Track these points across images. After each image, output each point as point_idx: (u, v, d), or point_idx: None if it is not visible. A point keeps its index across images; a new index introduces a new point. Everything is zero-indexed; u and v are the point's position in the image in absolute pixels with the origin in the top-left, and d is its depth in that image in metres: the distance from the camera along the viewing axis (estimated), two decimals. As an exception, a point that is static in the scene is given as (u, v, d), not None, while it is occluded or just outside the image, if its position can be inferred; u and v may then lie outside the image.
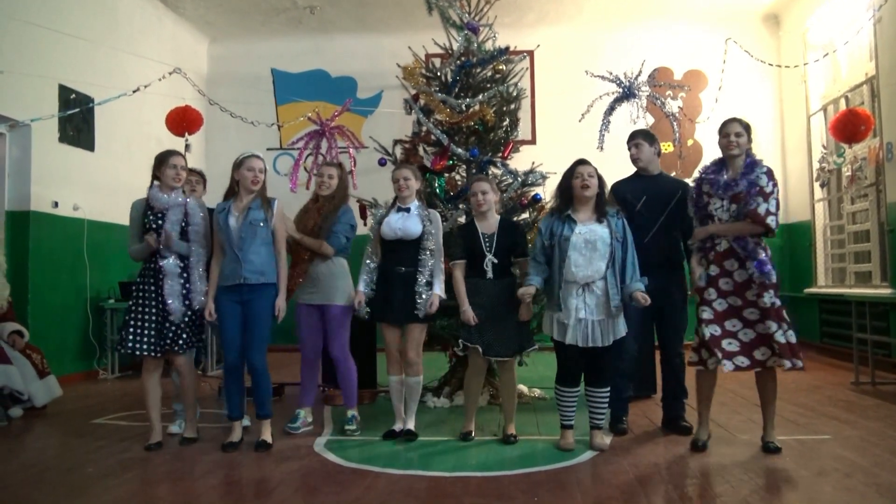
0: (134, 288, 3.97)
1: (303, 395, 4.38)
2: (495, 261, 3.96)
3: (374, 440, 4.08)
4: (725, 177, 3.70)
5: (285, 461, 3.65)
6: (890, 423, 4.24)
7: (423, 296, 4.02)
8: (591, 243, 3.66)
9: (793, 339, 3.54)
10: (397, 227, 4.07)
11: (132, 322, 3.88)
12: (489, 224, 4.05)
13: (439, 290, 4.06)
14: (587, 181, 3.71)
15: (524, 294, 3.73)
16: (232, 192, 4.01)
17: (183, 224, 3.94)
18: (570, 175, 3.79)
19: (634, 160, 4.32)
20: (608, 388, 3.84)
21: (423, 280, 4.04)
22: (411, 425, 4.12)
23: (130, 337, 3.86)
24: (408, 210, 4.13)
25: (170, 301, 3.86)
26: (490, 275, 3.96)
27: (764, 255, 3.58)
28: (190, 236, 3.95)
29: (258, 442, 3.92)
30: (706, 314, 3.65)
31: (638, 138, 4.30)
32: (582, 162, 3.82)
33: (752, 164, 3.68)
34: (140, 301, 3.90)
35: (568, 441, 3.82)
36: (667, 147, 8.42)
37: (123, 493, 3.18)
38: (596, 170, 3.80)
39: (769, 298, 3.54)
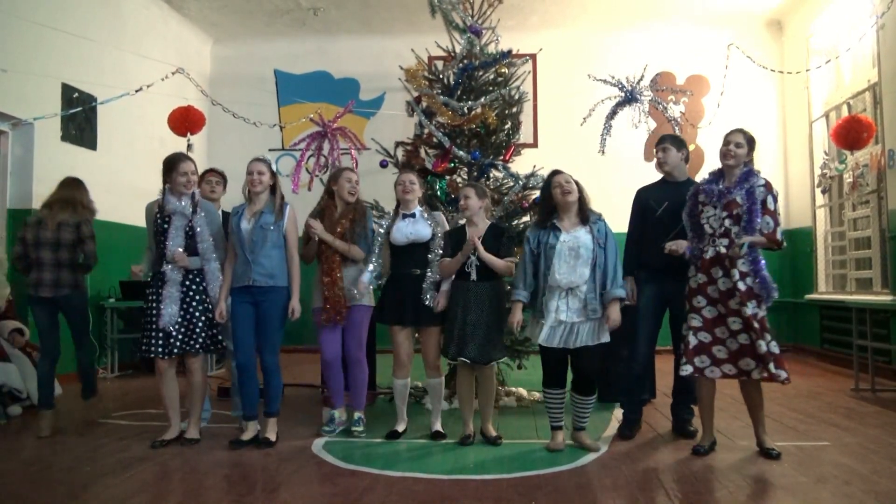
0: (147, 292, 4.00)
1: (334, 395, 4.32)
2: (478, 263, 3.96)
3: (373, 442, 4.08)
4: (720, 186, 3.72)
5: (284, 462, 3.65)
6: (889, 431, 4.23)
7: (429, 294, 4.06)
8: (575, 250, 3.71)
9: (776, 350, 3.56)
10: (408, 232, 4.10)
11: (146, 325, 3.93)
12: (478, 229, 4.06)
13: (448, 288, 4.10)
14: (566, 188, 3.77)
15: (514, 321, 3.81)
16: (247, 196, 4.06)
17: (187, 230, 3.95)
18: (548, 186, 3.86)
19: (660, 164, 4.27)
20: (593, 397, 3.87)
21: (431, 280, 4.08)
22: (438, 427, 4.16)
23: (145, 340, 3.92)
24: (413, 215, 4.16)
25: (163, 306, 3.87)
26: (474, 276, 3.97)
27: (765, 268, 3.61)
28: (202, 250, 3.95)
29: (261, 438, 3.97)
30: (695, 321, 3.69)
31: (665, 142, 4.24)
32: (556, 172, 3.88)
33: (749, 173, 3.70)
34: (151, 305, 3.94)
35: (557, 442, 3.85)
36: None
37: (122, 492, 3.18)
38: (572, 177, 3.84)
39: (752, 308, 3.56)
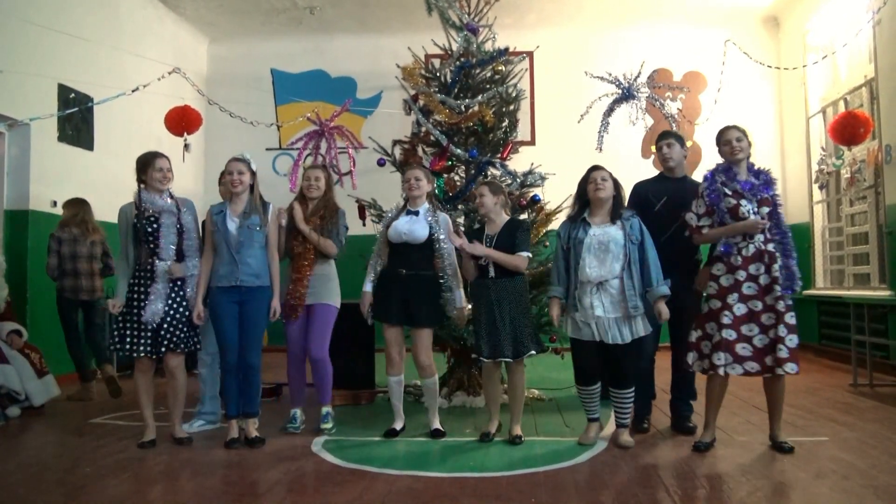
0: (129, 290, 3.93)
1: (295, 395, 4.36)
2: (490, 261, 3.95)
3: (372, 440, 4.08)
4: (749, 180, 3.73)
5: (283, 461, 3.65)
6: (888, 426, 4.24)
7: (449, 295, 4.11)
8: (604, 245, 3.72)
9: (795, 344, 3.59)
10: (403, 231, 4.07)
11: (128, 324, 3.88)
12: (495, 226, 4.06)
13: (461, 300, 4.08)
14: (600, 185, 3.79)
15: (553, 316, 3.86)
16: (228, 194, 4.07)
17: (178, 227, 3.93)
18: (584, 181, 3.89)
19: (665, 160, 4.27)
20: (632, 389, 3.87)
21: (447, 284, 4.11)
22: (437, 425, 4.16)
23: (128, 338, 3.87)
24: (416, 213, 4.14)
25: (150, 303, 3.83)
26: (492, 274, 3.96)
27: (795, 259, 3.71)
28: (187, 247, 3.95)
29: (252, 438, 3.97)
30: (726, 319, 3.63)
31: (670, 138, 4.29)
32: (596, 168, 3.90)
33: (767, 173, 3.77)
34: (134, 303, 3.89)
35: (590, 436, 3.89)
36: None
37: (121, 493, 3.18)
38: (610, 174, 3.87)
39: (786, 302, 3.60)
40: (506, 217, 4.11)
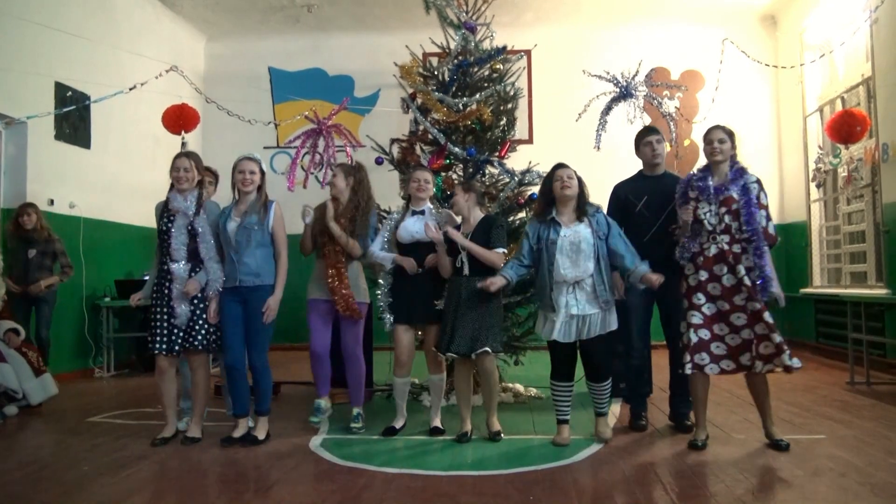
0: (153, 288, 4.02)
1: (318, 386, 4.31)
2: (464, 259, 3.96)
3: (370, 439, 4.08)
4: (713, 182, 3.74)
5: (281, 459, 3.65)
6: (885, 423, 4.25)
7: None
8: (576, 245, 3.73)
9: (779, 340, 3.59)
10: (414, 231, 4.10)
11: (151, 322, 3.95)
12: (469, 224, 4.08)
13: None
14: (567, 182, 3.79)
15: (489, 284, 3.74)
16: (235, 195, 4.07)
17: (189, 229, 3.94)
18: (550, 179, 3.88)
19: (656, 155, 4.26)
20: (608, 382, 3.90)
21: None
22: (437, 423, 4.17)
23: (150, 337, 3.94)
24: (422, 213, 4.17)
25: (174, 304, 3.89)
26: (466, 272, 3.97)
27: (769, 266, 3.65)
28: (203, 250, 3.93)
29: (248, 436, 3.97)
30: (696, 319, 3.69)
31: (659, 133, 4.30)
32: (560, 165, 3.90)
33: (741, 170, 3.76)
34: (156, 302, 3.96)
35: (563, 436, 3.87)
36: (663, 147, 8.45)
37: (119, 492, 3.17)
38: (575, 172, 3.87)
39: (761, 303, 3.60)
40: (480, 214, 4.11)
